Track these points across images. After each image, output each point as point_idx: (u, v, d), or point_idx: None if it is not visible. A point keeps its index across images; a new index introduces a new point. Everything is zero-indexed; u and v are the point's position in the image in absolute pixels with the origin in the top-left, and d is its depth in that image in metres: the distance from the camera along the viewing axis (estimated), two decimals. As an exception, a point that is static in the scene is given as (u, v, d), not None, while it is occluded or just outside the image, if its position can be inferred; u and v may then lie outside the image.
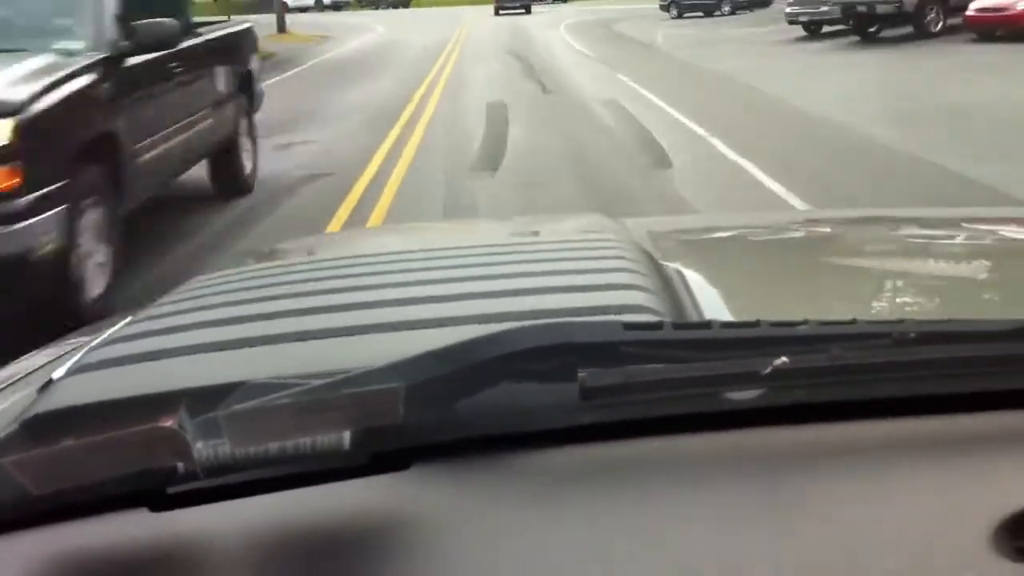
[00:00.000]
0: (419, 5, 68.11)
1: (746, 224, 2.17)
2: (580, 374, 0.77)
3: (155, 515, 0.77)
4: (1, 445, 0.85)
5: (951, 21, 19.13)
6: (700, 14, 35.05)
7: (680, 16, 35.40)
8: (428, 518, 0.75)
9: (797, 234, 1.94)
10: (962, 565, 0.67)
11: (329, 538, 0.74)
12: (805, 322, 0.82)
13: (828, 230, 1.95)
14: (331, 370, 0.81)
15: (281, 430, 0.74)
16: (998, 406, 0.83)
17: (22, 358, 1.39)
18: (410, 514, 0.75)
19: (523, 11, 45.00)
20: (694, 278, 1.26)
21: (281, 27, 35.94)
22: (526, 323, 0.83)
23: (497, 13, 45.18)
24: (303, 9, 59.08)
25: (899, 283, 1.42)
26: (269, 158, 9.69)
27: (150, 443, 0.71)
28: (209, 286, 1.31)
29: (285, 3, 39.80)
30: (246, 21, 10.39)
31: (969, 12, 18.09)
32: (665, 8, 36.51)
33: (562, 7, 51.62)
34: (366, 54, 27.16)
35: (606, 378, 0.78)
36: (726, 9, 34.59)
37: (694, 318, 1.07)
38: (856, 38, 20.73)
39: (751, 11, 34.06)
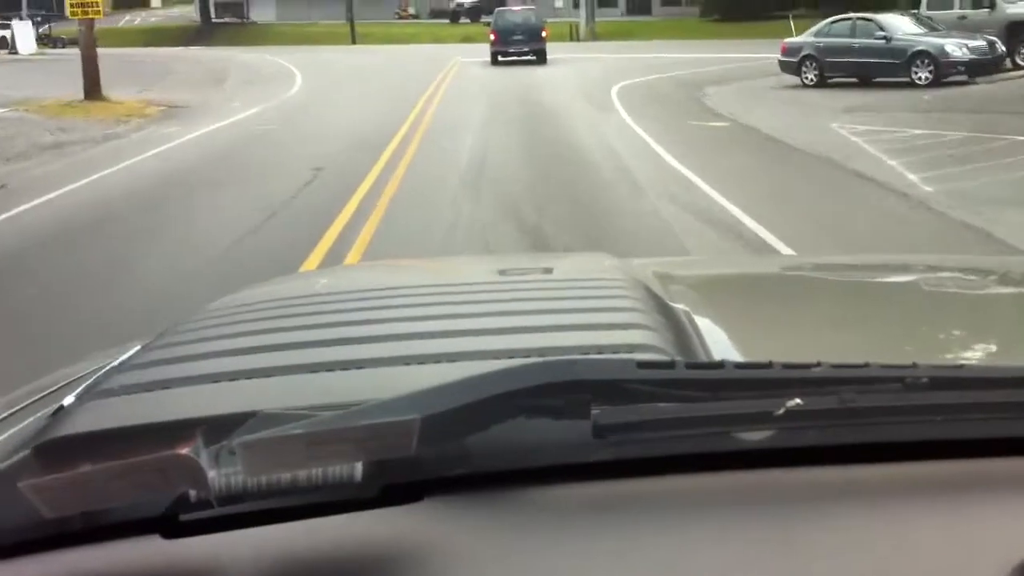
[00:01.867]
0: (377, 39, 52.53)
1: (753, 267, 2.32)
2: (593, 411, 0.78)
3: (167, 541, 0.77)
4: (13, 469, 0.84)
5: None
6: (853, 79, 19.24)
7: (821, 83, 19.52)
8: (439, 551, 0.75)
9: (805, 278, 1.94)
10: None
11: (339, 569, 0.74)
12: (817, 364, 0.81)
13: (836, 275, 1.95)
14: (343, 402, 0.82)
15: (294, 460, 0.73)
16: (1010, 452, 0.83)
17: (31, 383, 1.40)
18: (421, 547, 0.75)
19: (532, 58, 29.61)
20: (702, 319, 1.25)
21: (92, 86, 19.42)
22: (540, 359, 0.85)
23: (496, 60, 29.95)
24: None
25: (911, 327, 1.42)
26: None
27: (165, 470, 0.71)
28: (220, 316, 1.31)
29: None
30: None
31: None
32: (792, 67, 20.39)
33: (586, 53, 35.35)
34: (208, 167, 12.02)
35: (619, 416, 0.79)
36: (922, 76, 18.45)
37: (703, 358, 1.06)
38: None
39: (970, 79, 18.04)
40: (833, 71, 19.83)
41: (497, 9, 30.16)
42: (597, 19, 47.47)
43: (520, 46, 29.08)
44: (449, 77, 24.70)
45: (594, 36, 45.59)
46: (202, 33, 60.07)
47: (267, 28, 60.51)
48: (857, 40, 19.44)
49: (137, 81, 24.80)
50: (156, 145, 13.81)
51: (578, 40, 43.49)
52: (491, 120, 15.65)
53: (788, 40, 21.06)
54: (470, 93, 20.46)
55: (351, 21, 53.16)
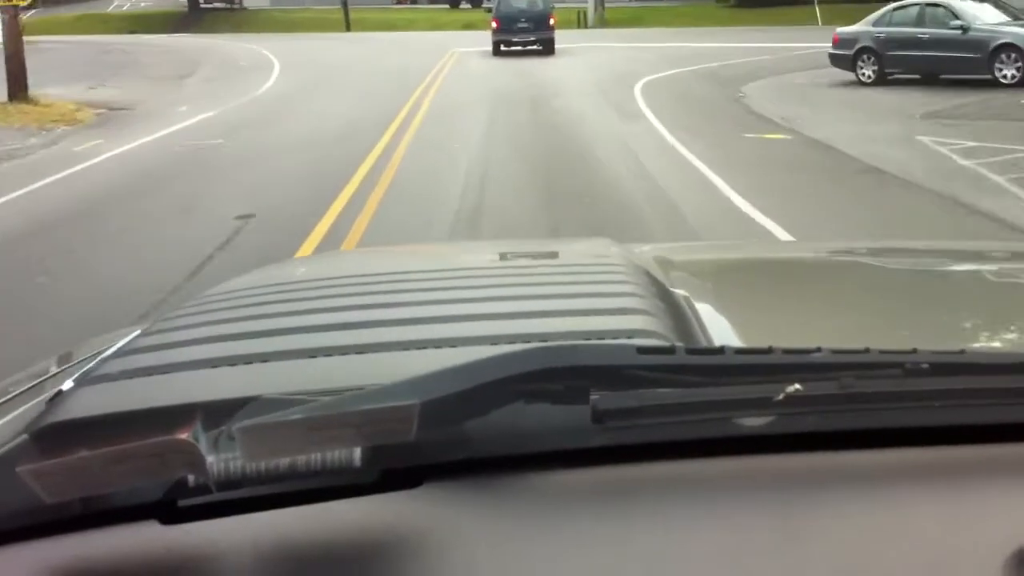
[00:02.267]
0: (372, 26, 49.35)
1: (754, 252, 2.29)
2: (592, 397, 0.78)
3: (165, 527, 0.77)
4: (11, 455, 0.84)
5: None
6: (916, 76, 16.16)
7: (880, 80, 16.43)
8: (438, 537, 0.75)
9: (807, 263, 1.92)
10: None
11: (338, 555, 0.74)
12: (818, 350, 0.81)
13: (838, 259, 1.93)
14: (343, 387, 0.83)
15: (293, 445, 0.73)
16: (1010, 438, 0.83)
17: (28, 368, 1.39)
18: (419, 532, 0.75)
19: (539, 47, 26.26)
20: (702, 304, 1.25)
21: (16, 86, 16.35)
22: (540, 344, 0.85)
23: (498, 50, 26.64)
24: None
25: (912, 313, 1.41)
26: None
27: (164, 455, 0.71)
28: (219, 301, 1.31)
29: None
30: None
31: None
32: (846, 62, 17.21)
33: (596, 42, 32.20)
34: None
35: (619, 401, 0.79)
36: (1008, 73, 15.31)
37: (703, 344, 1.05)
38: None
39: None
40: (895, 66, 16.72)
41: None
42: (606, 5, 44.24)
43: (525, 35, 25.84)
44: (444, 72, 21.68)
45: (604, 23, 42.41)
46: (188, 20, 56.99)
47: (257, 14, 57.42)
48: (926, 30, 16.28)
49: (93, 75, 21.81)
50: (56, 170, 10.73)
51: (586, 27, 40.31)
52: (491, 138, 12.30)
53: (842, 30, 17.83)
54: (466, 96, 16.92)
55: (345, 7, 49.96)
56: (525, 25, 25.60)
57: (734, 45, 26.52)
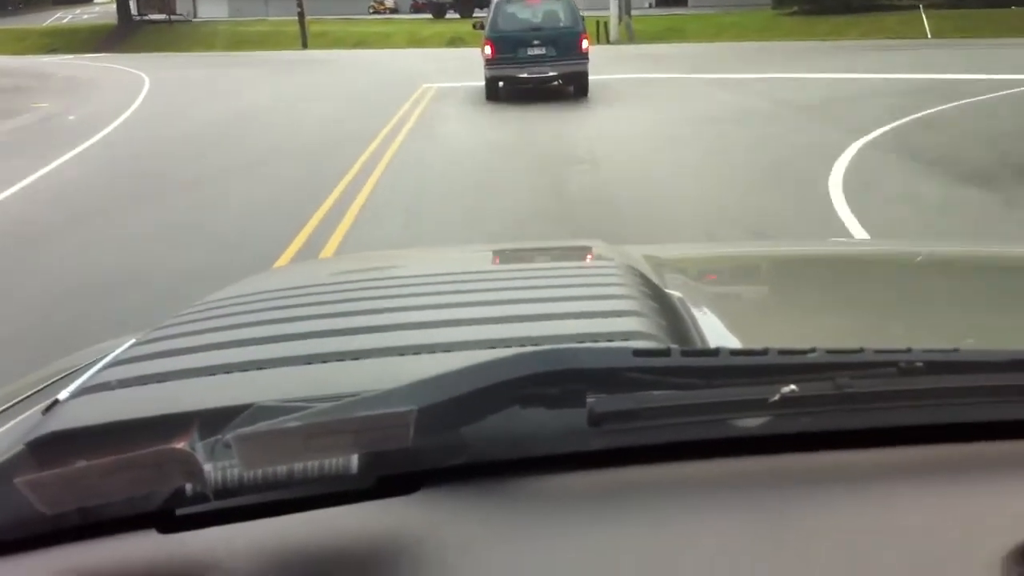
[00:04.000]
0: (336, 41, 38.93)
1: (748, 253, 2.21)
2: (589, 400, 0.78)
3: (163, 536, 0.77)
4: (9, 465, 0.83)
5: None
6: None
7: None
8: (435, 542, 0.74)
9: (801, 264, 1.93)
10: None
11: (336, 561, 0.74)
12: (813, 350, 0.81)
13: (832, 260, 1.93)
14: (339, 393, 0.82)
15: (290, 453, 0.73)
16: (1005, 435, 0.83)
17: (24, 379, 1.38)
18: (417, 538, 0.75)
19: (560, 84, 15.78)
20: (697, 305, 1.25)
21: None
22: (535, 348, 0.83)
23: (494, 93, 15.57)
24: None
25: (906, 312, 1.40)
26: None
27: (161, 464, 0.70)
28: (214, 309, 1.30)
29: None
30: None
31: None
32: None
33: (637, 68, 21.81)
34: None
35: (615, 404, 0.79)
36: None
37: (698, 345, 1.06)
38: None
39: None
40: None
41: (495, 0, 15.92)
42: (631, 13, 34.07)
43: (540, 66, 15.18)
44: (392, 151, 11.25)
45: (632, 37, 32.23)
46: (117, 35, 46.87)
47: (199, 28, 47.29)
48: None
49: None
50: None
51: (608, 42, 30.19)
52: None
53: None
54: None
55: (301, 20, 39.78)
56: (539, 51, 15.09)
57: (879, 76, 16.40)
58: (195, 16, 55.66)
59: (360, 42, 38.96)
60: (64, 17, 62.43)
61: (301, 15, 39.80)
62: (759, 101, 14.25)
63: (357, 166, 10.08)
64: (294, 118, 14.51)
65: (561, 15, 15.43)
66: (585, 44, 15.13)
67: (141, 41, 44.78)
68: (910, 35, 28.29)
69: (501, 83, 15.48)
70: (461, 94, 16.70)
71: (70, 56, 38.07)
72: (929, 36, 27.95)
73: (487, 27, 15.42)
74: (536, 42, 15.01)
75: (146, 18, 49.87)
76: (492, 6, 15.58)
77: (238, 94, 19.10)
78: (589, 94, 15.29)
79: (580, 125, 12.75)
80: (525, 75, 15.20)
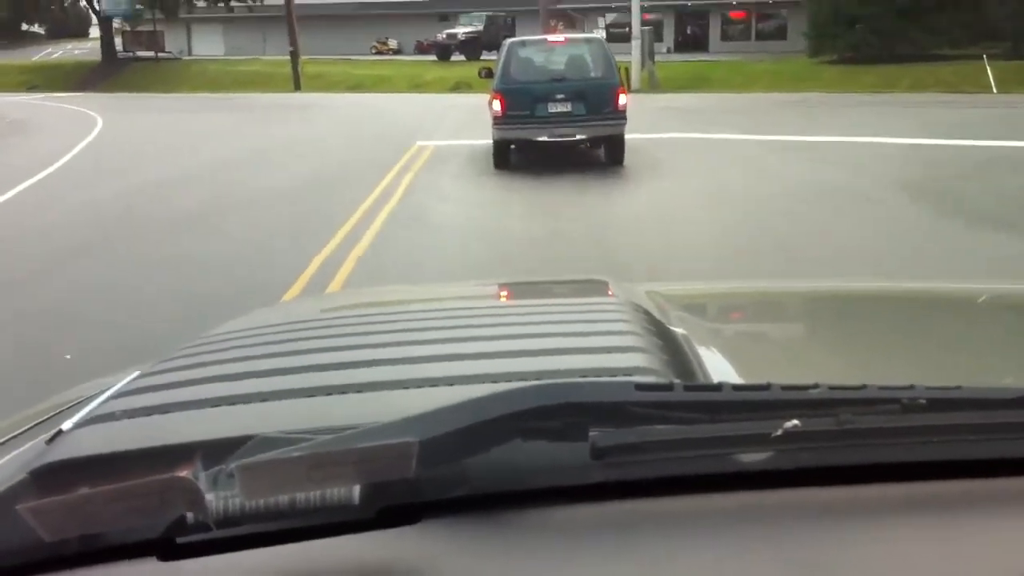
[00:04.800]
0: (331, 84, 35.70)
1: (752, 290, 2.24)
2: (591, 433, 0.78)
3: (164, 564, 0.77)
4: (10, 493, 0.84)
5: None
6: None
7: None
8: (437, 573, 0.74)
9: (804, 302, 1.93)
10: None
11: None
12: (816, 386, 0.81)
13: (836, 298, 1.95)
14: (342, 426, 0.82)
15: (292, 483, 0.73)
16: (1008, 472, 0.83)
17: (29, 409, 1.37)
18: (418, 569, 0.74)
19: (587, 146, 12.29)
20: (701, 342, 1.25)
21: None
22: (538, 382, 0.83)
23: (504, 159, 12.01)
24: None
25: (909, 349, 1.40)
26: None
27: (163, 493, 0.71)
28: (218, 342, 1.31)
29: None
30: None
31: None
32: None
33: (675, 125, 18.54)
34: None
35: (617, 437, 0.78)
36: None
37: (701, 381, 1.06)
38: None
39: None
40: None
41: (508, 41, 12.71)
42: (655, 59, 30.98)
43: (564, 126, 11.69)
44: (350, 263, 7.77)
45: (656, 85, 29.08)
46: (99, 73, 44.05)
47: (189, 67, 44.38)
48: None
49: None
50: None
51: (630, 91, 26.95)
52: None
53: None
54: None
55: (294, 60, 36.76)
56: (563, 107, 11.59)
57: (974, 144, 13.09)
58: (189, 53, 53.10)
59: (357, 85, 35.96)
60: (54, 53, 59.96)
61: (294, 55, 36.81)
62: (841, 174, 10.89)
63: (293, 292, 6.68)
64: (235, 193, 11.13)
65: (591, 61, 12.05)
66: (623, 100, 11.77)
67: (124, 80, 41.92)
68: (970, 88, 25.08)
69: (511, 145, 12.11)
70: (463, 157, 13.40)
71: (40, 96, 35.11)
72: (995, 90, 24.71)
73: (497, 76, 11.99)
74: (559, 96, 11.63)
75: (133, 55, 46.91)
76: (503, 49, 12.21)
77: (192, 150, 15.83)
78: (625, 170, 11.95)
79: (620, 210, 9.42)
80: (545, 138, 11.76)
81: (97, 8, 46.60)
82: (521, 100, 11.58)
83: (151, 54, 46.32)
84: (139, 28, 48.94)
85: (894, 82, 27.04)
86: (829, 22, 30.78)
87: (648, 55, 30.09)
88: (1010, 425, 0.83)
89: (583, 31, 29.15)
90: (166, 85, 39.39)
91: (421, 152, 14.11)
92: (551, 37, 12.52)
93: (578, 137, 11.84)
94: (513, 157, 12.19)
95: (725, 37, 47.33)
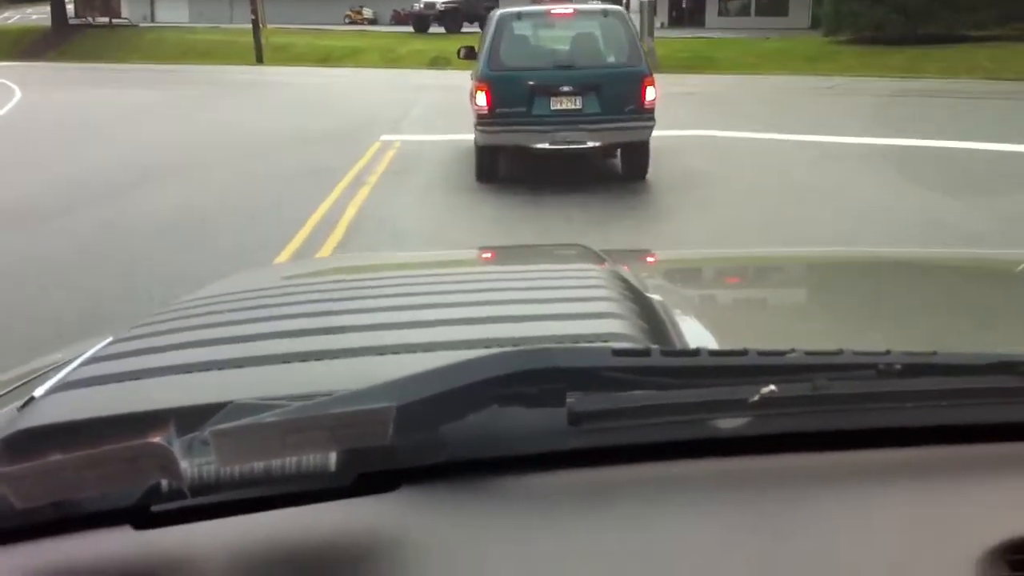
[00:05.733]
0: (297, 56, 32.17)
1: (732, 256, 2.21)
2: (568, 399, 0.78)
3: (139, 533, 0.76)
4: None
5: None
6: None
7: None
8: (415, 540, 0.74)
9: (782, 269, 1.93)
10: None
11: (313, 559, 0.73)
12: (792, 351, 0.82)
13: (813, 265, 1.93)
14: (318, 392, 0.81)
15: (268, 449, 0.72)
16: (982, 438, 0.84)
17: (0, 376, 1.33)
18: (396, 536, 0.74)
19: (595, 152, 9.11)
20: (678, 309, 1.25)
21: None
22: (514, 348, 0.83)
23: (491, 170, 8.96)
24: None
25: (885, 316, 1.40)
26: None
27: (137, 459, 0.69)
28: (192, 308, 1.28)
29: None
30: None
31: None
32: None
33: (694, 119, 15.49)
34: None
35: (594, 403, 0.79)
36: None
37: (678, 347, 1.05)
38: None
39: None
40: None
41: (498, 13, 9.06)
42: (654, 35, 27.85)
43: (571, 129, 8.42)
44: None
45: (656, 65, 25.90)
46: (47, 41, 40.43)
47: (144, 35, 40.91)
48: None
49: None
50: None
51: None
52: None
53: None
54: None
55: (256, 30, 33.41)
56: (570, 102, 8.51)
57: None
58: (152, 20, 49.40)
59: (325, 58, 32.69)
60: (11, 17, 56.15)
61: (256, 24, 33.45)
62: (957, 205, 7.89)
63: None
64: (96, 238, 8.06)
65: (609, 41, 8.98)
66: (651, 94, 8.72)
67: (73, 48, 38.39)
68: (1009, 75, 22.18)
69: (499, 160, 9.12)
70: (436, 160, 10.40)
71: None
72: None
73: (481, 60, 8.92)
74: (566, 88, 8.62)
75: (86, 21, 43.26)
76: (491, 24, 9.09)
77: (77, 149, 12.58)
78: (648, 185, 8.97)
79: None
80: (545, 145, 8.68)
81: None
82: (514, 93, 8.57)
83: (105, 20, 42.66)
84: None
85: (921, 66, 24.14)
86: (848, -3, 27.71)
87: (648, 31, 26.97)
88: (984, 391, 0.84)
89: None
90: (117, 54, 35.96)
91: (383, 152, 11.10)
92: (556, 7, 9.34)
93: (590, 144, 8.76)
94: (503, 166, 9.19)
95: (723, 12, 44.24)
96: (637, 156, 9.12)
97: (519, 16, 9.05)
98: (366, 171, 9.97)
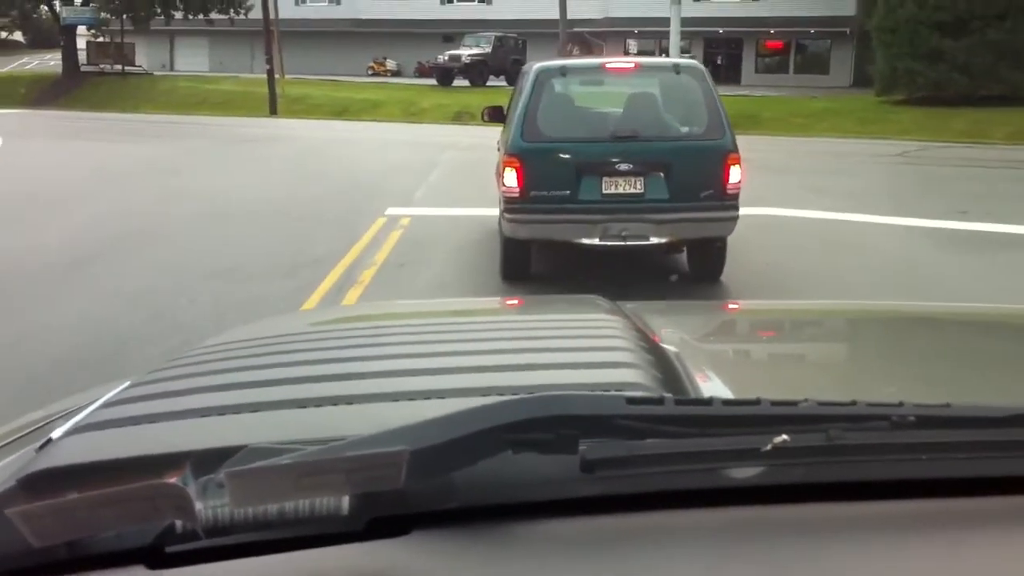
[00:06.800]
0: (313, 108, 30.32)
1: (742, 311, 2.23)
2: (581, 446, 0.78)
3: (152, 572, 0.76)
4: (0, 499, 0.82)
5: None
6: None
7: None
8: None
9: (795, 321, 1.93)
10: None
11: None
12: (804, 401, 0.82)
13: (823, 319, 1.92)
14: (332, 436, 0.81)
15: (282, 492, 0.72)
16: (995, 491, 0.83)
17: (20, 419, 1.35)
18: None
19: (661, 252, 6.92)
20: (693, 359, 1.25)
21: None
22: (528, 395, 0.83)
23: (520, 267, 6.77)
24: None
25: (898, 368, 1.40)
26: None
27: (153, 499, 0.70)
28: (210, 353, 1.30)
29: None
30: None
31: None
32: None
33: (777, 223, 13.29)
34: None
35: (608, 451, 0.78)
36: None
37: (692, 396, 1.05)
38: None
39: None
40: None
41: (535, 67, 6.78)
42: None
43: (630, 219, 6.41)
44: None
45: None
46: (58, 88, 39.05)
47: (155, 83, 39.48)
48: None
49: None
50: None
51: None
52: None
53: None
54: None
55: (271, 82, 31.75)
56: (628, 184, 6.42)
57: None
58: (172, 68, 48.12)
59: (343, 110, 30.94)
60: (29, 63, 55.24)
61: (270, 74, 31.79)
62: None
63: None
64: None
65: (678, 104, 6.89)
66: (735, 175, 6.56)
67: (83, 96, 36.95)
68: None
69: (530, 258, 7.00)
70: (451, 245, 8.32)
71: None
72: None
73: (513, 126, 6.72)
74: (624, 166, 6.47)
75: (99, 69, 41.87)
76: (525, 79, 6.93)
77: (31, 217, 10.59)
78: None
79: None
80: (595, 240, 6.51)
81: (61, 16, 41.64)
82: (555, 172, 6.44)
83: (118, 68, 41.24)
84: (107, 39, 43.95)
85: (988, 130, 21.99)
86: (905, 55, 25.61)
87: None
88: (999, 443, 0.83)
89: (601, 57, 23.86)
90: (127, 103, 34.45)
91: (388, 233, 9.01)
92: (611, 61, 7.21)
93: (654, 241, 6.60)
94: (535, 261, 7.03)
95: (759, 68, 42.42)
96: (711, 252, 6.95)
97: (563, 71, 6.88)
98: (362, 260, 7.84)
